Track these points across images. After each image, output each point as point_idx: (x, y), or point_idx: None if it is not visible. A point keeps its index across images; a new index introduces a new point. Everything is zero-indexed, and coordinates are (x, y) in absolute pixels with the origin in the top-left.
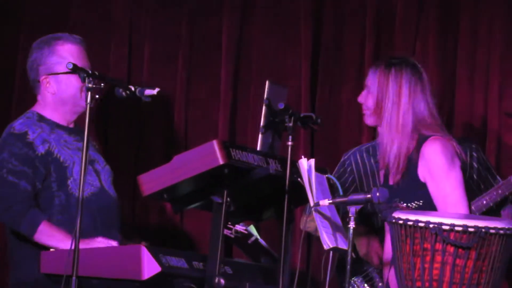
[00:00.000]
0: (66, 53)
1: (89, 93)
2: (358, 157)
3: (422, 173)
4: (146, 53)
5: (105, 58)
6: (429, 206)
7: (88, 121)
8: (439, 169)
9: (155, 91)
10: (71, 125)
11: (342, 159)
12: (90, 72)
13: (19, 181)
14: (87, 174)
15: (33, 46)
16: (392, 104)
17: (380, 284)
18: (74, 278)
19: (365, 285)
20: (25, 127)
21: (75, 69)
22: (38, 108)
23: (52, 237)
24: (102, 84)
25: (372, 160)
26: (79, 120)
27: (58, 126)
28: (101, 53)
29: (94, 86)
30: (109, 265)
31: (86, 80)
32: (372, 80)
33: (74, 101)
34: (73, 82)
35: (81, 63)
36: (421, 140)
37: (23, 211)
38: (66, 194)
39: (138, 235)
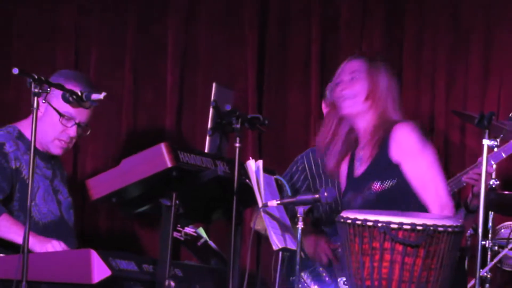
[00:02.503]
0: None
1: (36, 98)
2: (311, 156)
3: (395, 154)
4: (92, 58)
5: (52, 63)
6: (403, 184)
7: (34, 127)
8: (413, 148)
9: (101, 96)
10: (45, 151)
11: (296, 159)
12: (36, 77)
13: None
14: (47, 202)
15: (59, 72)
16: (385, 95)
17: (327, 279)
18: (24, 283)
19: (312, 280)
20: (4, 139)
21: (21, 73)
22: (21, 125)
23: (10, 230)
24: (49, 89)
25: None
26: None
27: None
28: (48, 58)
29: (40, 91)
30: (59, 269)
31: (32, 85)
32: (361, 68)
33: (48, 141)
34: (56, 125)
35: (79, 117)
36: (390, 124)
37: None
38: (25, 216)
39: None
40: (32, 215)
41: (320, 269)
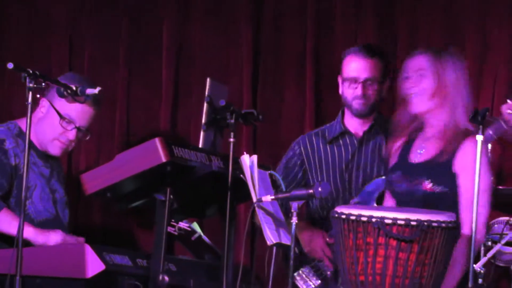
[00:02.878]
0: (72, 106)
1: (30, 92)
2: (307, 141)
3: (458, 165)
4: (87, 53)
5: (47, 58)
6: (453, 196)
7: (29, 121)
8: (475, 167)
9: (96, 90)
10: (44, 150)
11: (292, 145)
12: (31, 72)
13: None
14: (44, 201)
15: (68, 74)
16: (454, 87)
17: (328, 272)
18: (18, 277)
19: (313, 275)
20: (4, 136)
21: (15, 68)
22: (22, 123)
23: (10, 225)
24: (44, 84)
25: (321, 141)
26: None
27: (32, 146)
28: (42, 53)
29: (35, 86)
30: (53, 264)
31: (27, 80)
32: (427, 65)
33: (48, 141)
34: (56, 126)
35: (79, 122)
36: (464, 133)
37: None
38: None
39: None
40: (28, 212)
41: (321, 264)
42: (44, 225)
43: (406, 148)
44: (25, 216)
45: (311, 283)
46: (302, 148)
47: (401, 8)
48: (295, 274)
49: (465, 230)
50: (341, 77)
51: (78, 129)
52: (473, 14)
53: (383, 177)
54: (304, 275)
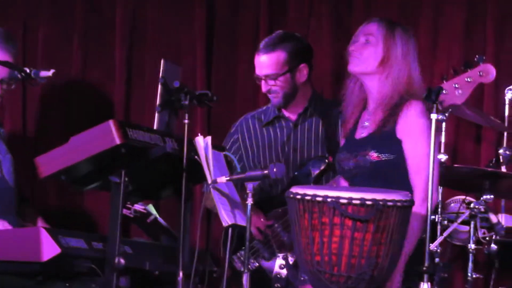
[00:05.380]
0: None
1: None
2: (244, 126)
3: (401, 131)
4: (40, 35)
5: None
6: (399, 161)
7: None
8: (420, 130)
9: (50, 73)
10: None
11: (231, 130)
12: None
13: None
14: None
15: None
16: (401, 61)
17: (266, 254)
18: None
19: (250, 257)
20: None
21: None
22: None
23: None
24: None
25: (258, 124)
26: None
27: None
28: None
29: None
30: (9, 247)
31: None
32: (377, 33)
33: None
34: None
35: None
36: (404, 99)
37: None
38: None
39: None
40: None
41: (259, 246)
42: None
43: (353, 126)
44: None
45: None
46: (239, 134)
47: None
48: (234, 256)
49: (415, 198)
50: None
51: (1, 81)
52: None
53: (320, 157)
54: (242, 258)
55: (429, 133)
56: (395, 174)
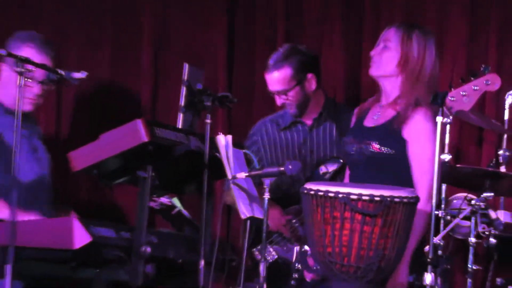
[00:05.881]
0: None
1: (21, 77)
2: (263, 129)
3: (408, 131)
4: (72, 39)
5: None
6: (398, 158)
7: (18, 103)
8: (427, 135)
9: (82, 74)
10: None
11: (250, 132)
12: (19, 56)
13: None
14: (30, 162)
15: (15, 36)
16: (419, 62)
17: (285, 247)
18: (11, 248)
19: (270, 248)
20: None
21: (9, 55)
22: None
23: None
24: (32, 68)
25: (276, 128)
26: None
27: (7, 111)
28: None
29: (24, 70)
30: (44, 236)
31: (18, 65)
32: (394, 37)
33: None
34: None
35: (39, 76)
36: (417, 104)
37: None
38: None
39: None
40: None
41: (277, 238)
42: (30, 186)
43: (363, 115)
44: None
45: (268, 256)
46: (259, 137)
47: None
48: (254, 249)
49: (421, 197)
50: None
51: (42, 82)
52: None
53: (334, 158)
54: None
55: (435, 137)
56: (390, 168)
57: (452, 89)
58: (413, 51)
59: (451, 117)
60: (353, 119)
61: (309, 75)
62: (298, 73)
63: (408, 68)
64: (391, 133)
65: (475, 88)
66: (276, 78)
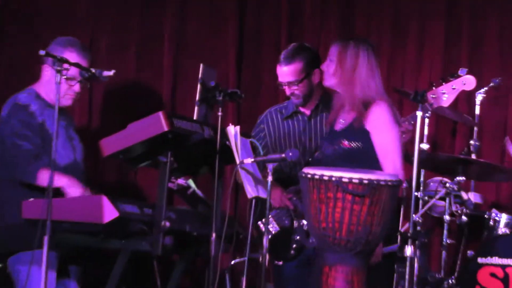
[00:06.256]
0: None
1: (58, 74)
2: (269, 118)
3: (369, 124)
4: (104, 43)
5: None
6: (367, 149)
7: (57, 98)
8: (384, 123)
9: (111, 73)
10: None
11: (258, 121)
12: (58, 57)
13: (22, 142)
14: (66, 149)
15: (55, 41)
16: (352, 71)
17: (286, 222)
18: (48, 222)
19: (273, 222)
20: (28, 101)
21: (47, 54)
22: (36, 87)
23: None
24: (68, 67)
25: (281, 120)
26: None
27: (48, 105)
28: None
29: (61, 68)
30: (77, 211)
31: (56, 64)
32: (334, 52)
33: (60, 96)
34: (62, 85)
35: (79, 76)
36: (371, 101)
37: (25, 166)
38: (48, 160)
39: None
40: (53, 157)
41: (280, 212)
42: (66, 169)
43: (334, 122)
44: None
45: (271, 229)
46: (265, 125)
47: (357, 8)
48: (259, 222)
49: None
50: None
51: (80, 81)
52: (415, 13)
53: None
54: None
55: (392, 125)
56: (363, 158)
57: (434, 88)
58: (346, 60)
59: (429, 112)
60: (328, 128)
61: (315, 70)
62: (307, 67)
63: (343, 74)
64: (356, 129)
65: (454, 87)
66: (288, 70)
